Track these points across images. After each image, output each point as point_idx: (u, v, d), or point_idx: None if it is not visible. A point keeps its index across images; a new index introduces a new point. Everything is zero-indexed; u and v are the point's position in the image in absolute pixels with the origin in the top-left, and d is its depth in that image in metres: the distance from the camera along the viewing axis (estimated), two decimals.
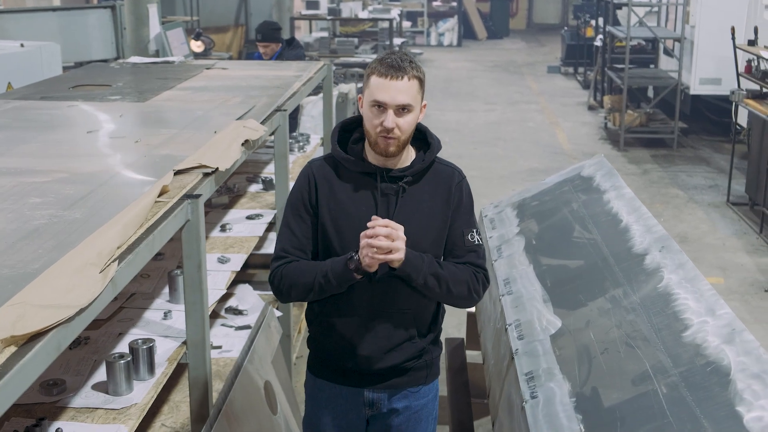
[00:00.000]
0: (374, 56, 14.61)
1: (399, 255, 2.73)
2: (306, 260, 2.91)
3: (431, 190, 2.90)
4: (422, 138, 2.96)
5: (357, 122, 2.93)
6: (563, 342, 2.94)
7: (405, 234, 2.76)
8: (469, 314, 4.55)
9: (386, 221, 2.72)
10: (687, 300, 2.81)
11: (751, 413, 2.23)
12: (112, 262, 2.42)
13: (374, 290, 2.87)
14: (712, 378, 2.40)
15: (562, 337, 2.97)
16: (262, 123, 4.17)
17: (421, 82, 2.80)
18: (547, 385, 2.70)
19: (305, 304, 3.14)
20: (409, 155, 2.91)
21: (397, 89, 2.73)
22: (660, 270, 3.05)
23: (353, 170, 2.89)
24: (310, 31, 17.45)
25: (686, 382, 2.43)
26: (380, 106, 2.75)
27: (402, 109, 2.75)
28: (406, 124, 2.77)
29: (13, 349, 1.95)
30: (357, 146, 2.93)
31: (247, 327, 4.11)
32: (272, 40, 8.12)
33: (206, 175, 3.31)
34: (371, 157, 2.88)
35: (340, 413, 3.06)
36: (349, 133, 2.97)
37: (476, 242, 2.92)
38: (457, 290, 2.86)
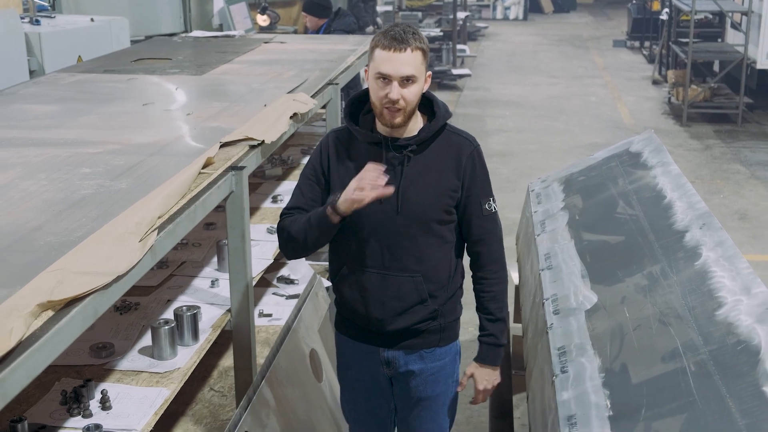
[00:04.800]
0: (437, 30, 14.60)
1: (499, 379, 3.19)
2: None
3: (440, 159, 2.97)
4: (431, 107, 3.02)
5: (368, 94, 2.98)
6: (597, 317, 2.96)
7: (411, 201, 2.92)
8: (517, 287, 4.57)
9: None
10: (723, 278, 2.80)
11: None
12: (152, 231, 2.50)
13: (384, 253, 2.97)
14: (742, 357, 2.40)
15: (597, 312, 2.99)
16: (313, 96, 4.24)
17: (425, 53, 2.86)
18: (578, 360, 2.73)
19: None
20: (417, 124, 2.98)
21: (401, 61, 2.80)
22: (699, 247, 3.05)
23: (363, 140, 2.99)
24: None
25: (715, 361, 2.43)
26: (385, 78, 2.82)
27: (406, 81, 2.82)
28: (410, 95, 2.84)
29: (50, 313, 2.03)
30: (368, 117, 3.02)
31: (298, 296, 4.19)
32: (311, 13, 8.11)
33: (252, 147, 3.39)
34: (380, 127, 2.97)
35: (364, 369, 3.19)
36: (363, 103, 3.05)
37: (493, 210, 3.05)
38: (506, 293, 3.13)
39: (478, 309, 3.12)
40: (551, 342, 2.91)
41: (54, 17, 7.28)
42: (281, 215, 3.10)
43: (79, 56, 6.71)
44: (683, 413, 2.28)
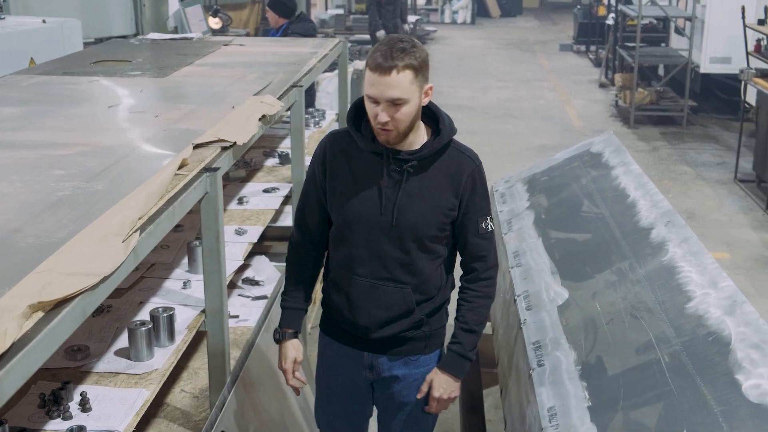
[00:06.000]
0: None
1: (457, 394, 3.07)
2: (301, 265, 3.19)
3: (441, 176, 2.91)
4: (437, 119, 2.94)
5: None
6: (570, 313, 3.03)
7: (406, 216, 2.89)
8: None
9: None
10: (690, 273, 2.89)
11: (749, 381, 2.31)
12: (134, 232, 2.50)
13: (375, 263, 2.96)
14: (713, 347, 2.49)
15: (569, 308, 3.06)
16: (279, 98, 4.26)
17: (417, 69, 2.73)
18: (554, 353, 2.80)
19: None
20: (419, 137, 2.92)
21: (386, 84, 2.70)
22: (665, 244, 3.14)
23: (365, 149, 2.93)
24: (326, 8, 17.47)
25: (688, 352, 2.51)
26: (374, 100, 2.76)
27: (394, 104, 2.73)
28: (401, 115, 2.76)
29: (40, 314, 2.02)
30: (370, 125, 2.94)
31: (264, 297, 4.21)
32: (274, 10, 8.21)
33: (224, 149, 3.39)
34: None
35: (345, 372, 3.18)
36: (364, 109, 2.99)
37: (489, 229, 2.98)
38: (487, 310, 3.06)
39: (456, 318, 3.05)
40: (526, 337, 2.97)
41: (3, 18, 7.18)
42: (293, 232, 3.22)
43: (31, 58, 6.62)
44: (660, 402, 2.35)
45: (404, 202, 2.89)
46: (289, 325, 3.17)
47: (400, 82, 2.71)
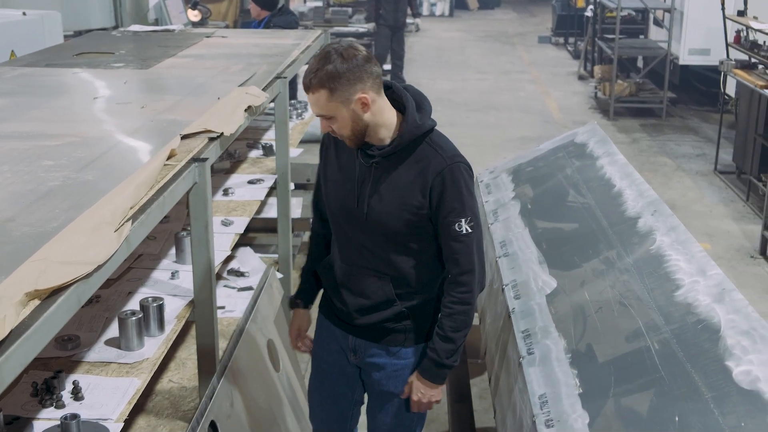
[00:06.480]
0: (367, 26, 14.64)
1: (438, 398, 3.07)
2: (317, 245, 3.34)
3: (409, 173, 2.87)
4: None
5: None
6: (558, 301, 3.05)
7: (375, 211, 2.93)
8: None
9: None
10: (678, 261, 2.92)
11: (740, 367, 2.35)
12: (126, 221, 2.51)
13: (354, 251, 3.03)
14: (703, 335, 2.52)
15: (558, 296, 3.09)
16: (263, 90, 4.26)
17: (330, 89, 2.71)
18: (543, 342, 2.82)
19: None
20: (389, 132, 2.87)
21: (311, 102, 2.79)
22: (652, 233, 3.17)
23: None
24: (305, 1, 17.42)
25: (678, 339, 2.54)
26: None
27: (325, 117, 2.81)
28: (337, 127, 2.82)
29: (36, 302, 2.03)
30: None
31: (249, 288, 4.21)
32: (256, 2, 8.22)
33: (212, 139, 3.40)
34: None
35: (334, 352, 3.26)
36: None
37: (464, 231, 2.84)
38: (466, 317, 2.93)
39: (437, 323, 3.02)
40: (515, 326, 2.99)
41: None
42: (311, 205, 3.37)
43: (12, 51, 6.57)
44: (651, 389, 2.38)
45: (372, 196, 2.94)
46: (299, 296, 3.38)
47: (318, 101, 2.76)
